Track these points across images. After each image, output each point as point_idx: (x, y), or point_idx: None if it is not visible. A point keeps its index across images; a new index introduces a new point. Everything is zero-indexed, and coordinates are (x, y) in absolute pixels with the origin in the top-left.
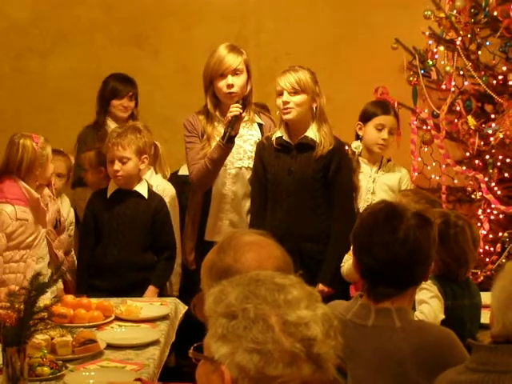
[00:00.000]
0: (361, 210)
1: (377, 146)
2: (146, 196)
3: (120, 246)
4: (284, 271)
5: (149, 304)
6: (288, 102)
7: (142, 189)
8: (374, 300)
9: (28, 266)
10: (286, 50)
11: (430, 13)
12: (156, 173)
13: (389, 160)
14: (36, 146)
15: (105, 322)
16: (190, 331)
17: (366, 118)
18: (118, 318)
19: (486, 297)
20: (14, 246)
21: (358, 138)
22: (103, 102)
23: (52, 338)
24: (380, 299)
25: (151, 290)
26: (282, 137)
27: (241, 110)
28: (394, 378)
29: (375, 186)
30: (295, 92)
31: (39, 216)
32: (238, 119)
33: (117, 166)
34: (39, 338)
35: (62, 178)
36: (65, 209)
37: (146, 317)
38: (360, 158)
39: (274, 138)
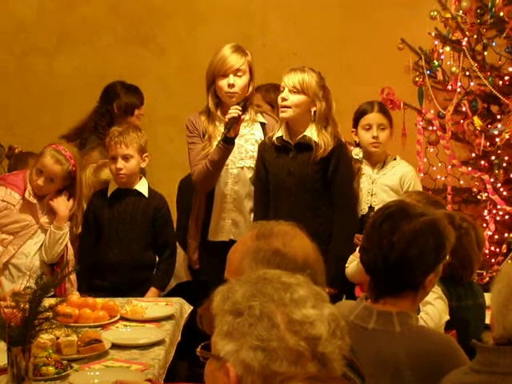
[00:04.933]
0: (361, 213)
1: (370, 146)
2: (146, 194)
3: (120, 245)
4: (318, 261)
5: (154, 304)
6: (286, 99)
7: (142, 187)
8: (371, 298)
9: (6, 252)
10: (292, 49)
11: (436, 13)
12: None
13: (395, 159)
14: None
15: (110, 321)
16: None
17: (355, 122)
18: (123, 318)
19: (490, 298)
20: None
21: (357, 145)
22: (125, 114)
23: (57, 338)
24: (375, 298)
25: (153, 291)
26: (282, 136)
27: (240, 113)
28: (391, 383)
29: (375, 187)
30: (295, 91)
31: (31, 210)
32: (236, 121)
33: (120, 163)
34: (44, 337)
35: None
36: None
37: (151, 317)
38: (363, 162)
39: (274, 137)
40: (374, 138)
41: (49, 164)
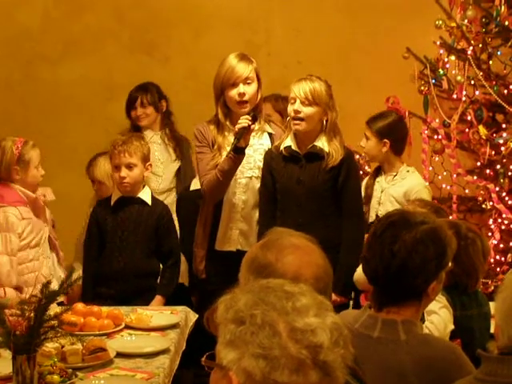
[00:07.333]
0: (370, 220)
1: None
2: (149, 202)
3: (124, 253)
4: (322, 281)
5: (159, 312)
6: (299, 112)
7: (145, 195)
8: (374, 307)
9: (41, 264)
10: (296, 58)
11: (441, 22)
12: None
13: (408, 170)
14: (16, 149)
15: (115, 330)
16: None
17: None
18: (128, 327)
19: (494, 307)
20: (25, 246)
21: None
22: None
23: (62, 346)
24: (378, 307)
25: (158, 299)
26: (290, 146)
27: (250, 123)
28: None
29: (383, 196)
30: (308, 103)
31: (40, 213)
32: (246, 131)
33: (124, 172)
34: (49, 346)
35: None
36: None
37: (156, 325)
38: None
39: (282, 147)
40: (361, 147)
41: (25, 151)
